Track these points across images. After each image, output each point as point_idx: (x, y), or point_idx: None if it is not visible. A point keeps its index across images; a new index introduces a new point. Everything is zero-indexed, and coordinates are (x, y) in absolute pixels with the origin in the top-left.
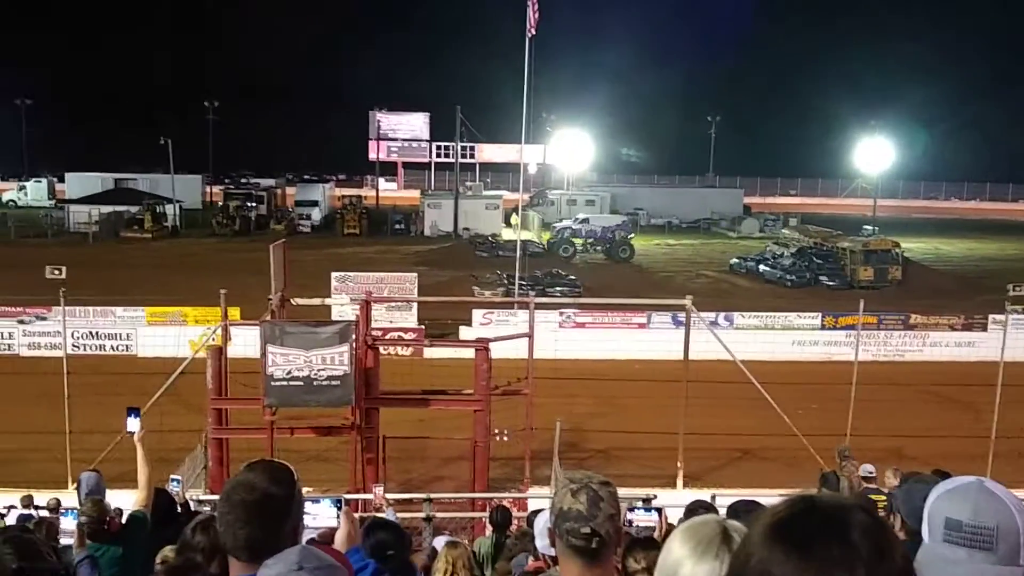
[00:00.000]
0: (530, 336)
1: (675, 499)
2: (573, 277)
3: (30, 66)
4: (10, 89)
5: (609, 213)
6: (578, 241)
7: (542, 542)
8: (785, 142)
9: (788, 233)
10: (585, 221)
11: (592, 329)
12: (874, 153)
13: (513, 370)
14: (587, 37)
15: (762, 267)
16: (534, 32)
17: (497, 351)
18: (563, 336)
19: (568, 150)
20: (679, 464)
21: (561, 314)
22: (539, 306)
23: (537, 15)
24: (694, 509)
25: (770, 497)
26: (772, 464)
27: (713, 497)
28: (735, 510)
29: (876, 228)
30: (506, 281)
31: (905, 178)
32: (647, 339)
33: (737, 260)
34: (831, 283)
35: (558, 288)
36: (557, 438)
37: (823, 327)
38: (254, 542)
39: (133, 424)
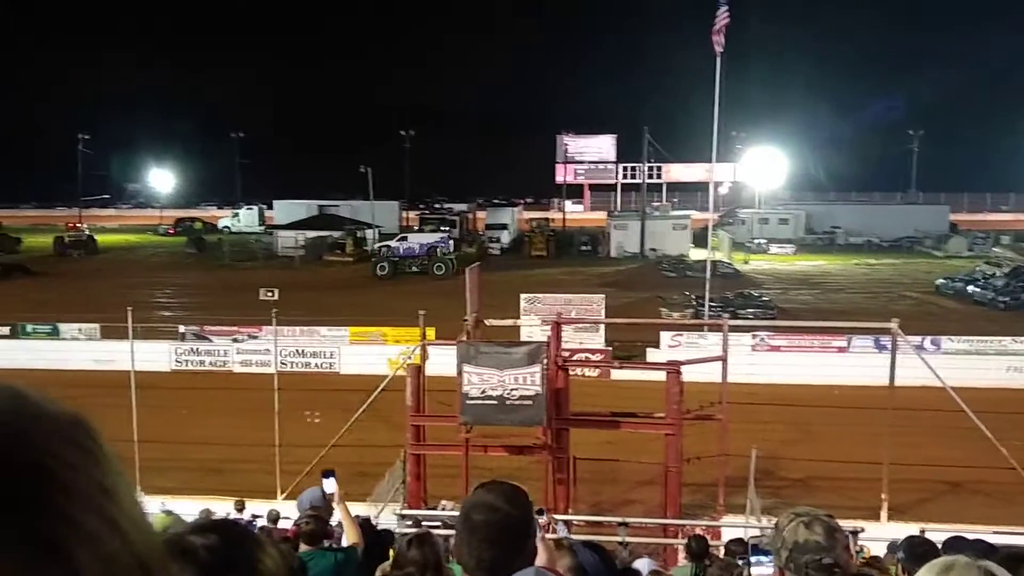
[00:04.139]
0: (724, 359)
1: (879, 532)
2: (767, 299)
3: (243, 103)
4: (226, 124)
5: (804, 232)
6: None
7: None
8: (995, 155)
9: (1000, 252)
10: (404, 239)
11: (787, 353)
12: None
13: (703, 394)
14: (779, 51)
15: (971, 288)
16: (722, 48)
17: (687, 374)
18: (757, 360)
19: (760, 167)
20: (883, 496)
21: (754, 337)
22: (731, 328)
23: (727, 21)
24: (916, 544)
25: (985, 534)
26: (985, 499)
27: (922, 531)
28: (955, 548)
29: None
30: (695, 303)
31: None
32: (847, 364)
33: (944, 281)
34: None
35: (750, 310)
36: (753, 466)
37: None
38: (495, 563)
39: (330, 485)
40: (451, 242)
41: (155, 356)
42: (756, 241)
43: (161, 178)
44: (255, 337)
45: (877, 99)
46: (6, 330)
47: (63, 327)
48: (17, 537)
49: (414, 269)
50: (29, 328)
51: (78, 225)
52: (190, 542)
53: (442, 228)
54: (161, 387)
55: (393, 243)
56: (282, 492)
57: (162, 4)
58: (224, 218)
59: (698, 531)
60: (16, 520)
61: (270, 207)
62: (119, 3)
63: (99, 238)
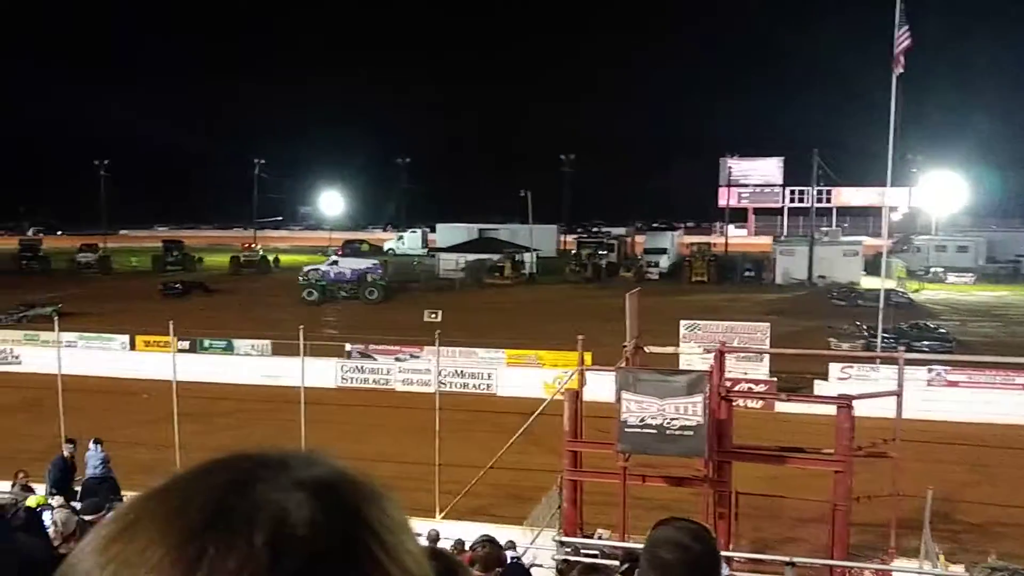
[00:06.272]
0: (899, 394)
1: None
2: (944, 331)
3: (409, 128)
4: (393, 149)
5: (985, 261)
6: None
7: None
8: None
9: None
10: (335, 263)
11: (967, 388)
12: None
13: (875, 430)
14: (961, 72)
15: None
16: (902, 70)
17: (857, 408)
18: (933, 395)
19: (937, 192)
20: None
21: (930, 371)
22: (906, 362)
23: (907, 42)
24: None
25: None
26: None
27: None
28: None
29: None
30: (866, 333)
31: None
32: None
33: None
34: None
35: (926, 342)
36: (928, 507)
37: None
38: None
39: None
40: (381, 269)
41: (322, 373)
42: (932, 269)
43: (331, 201)
44: (416, 357)
45: None
46: (186, 344)
47: (237, 343)
48: None
49: (343, 294)
50: (206, 343)
51: (252, 246)
52: None
53: (599, 252)
54: (327, 403)
55: (323, 267)
56: (440, 511)
57: (333, 35)
58: (389, 240)
59: (867, 574)
60: (352, 570)
61: (433, 230)
62: (291, 35)
63: (273, 258)
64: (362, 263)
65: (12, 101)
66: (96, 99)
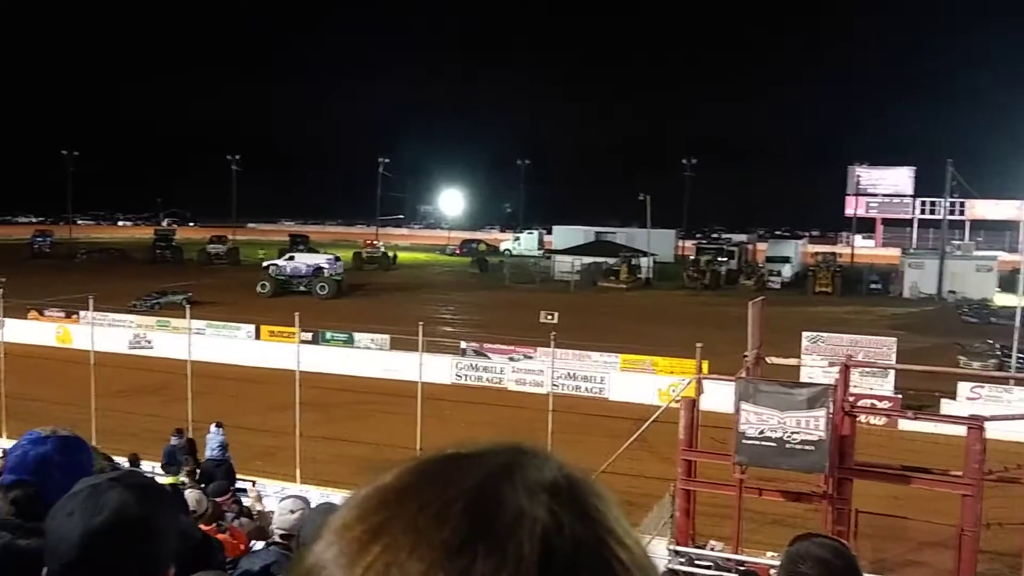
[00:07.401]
0: None
1: None
2: None
3: (528, 130)
4: (512, 151)
5: None
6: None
7: None
8: None
9: None
10: (291, 259)
11: None
12: None
13: (1007, 454)
14: None
15: None
16: None
17: (988, 430)
18: None
19: None
20: None
21: None
22: None
23: None
24: None
25: None
26: None
27: None
28: None
29: None
30: (999, 353)
31: None
32: None
33: None
34: None
35: None
36: None
37: None
38: None
39: None
40: (339, 263)
41: (437, 369)
42: None
43: (451, 200)
44: (530, 357)
45: None
46: (308, 336)
47: (357, 336)
48: None
49: (302, 288)
50: (328, 336)
51: (375, 242)
52: None
53: (719, 259)
54: (441, 398)
55: (280, 262)
56: None
57: (457, 40)
58: (506, 241)
59: None
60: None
61: (549, 232)
62: (419, 37)
63: (392, 255)
64: (318, 259)
65: (152, 98)
66: (231, 96)
